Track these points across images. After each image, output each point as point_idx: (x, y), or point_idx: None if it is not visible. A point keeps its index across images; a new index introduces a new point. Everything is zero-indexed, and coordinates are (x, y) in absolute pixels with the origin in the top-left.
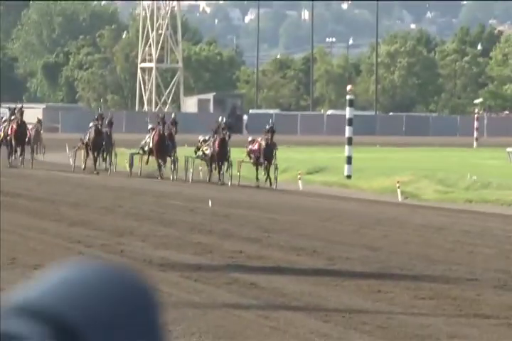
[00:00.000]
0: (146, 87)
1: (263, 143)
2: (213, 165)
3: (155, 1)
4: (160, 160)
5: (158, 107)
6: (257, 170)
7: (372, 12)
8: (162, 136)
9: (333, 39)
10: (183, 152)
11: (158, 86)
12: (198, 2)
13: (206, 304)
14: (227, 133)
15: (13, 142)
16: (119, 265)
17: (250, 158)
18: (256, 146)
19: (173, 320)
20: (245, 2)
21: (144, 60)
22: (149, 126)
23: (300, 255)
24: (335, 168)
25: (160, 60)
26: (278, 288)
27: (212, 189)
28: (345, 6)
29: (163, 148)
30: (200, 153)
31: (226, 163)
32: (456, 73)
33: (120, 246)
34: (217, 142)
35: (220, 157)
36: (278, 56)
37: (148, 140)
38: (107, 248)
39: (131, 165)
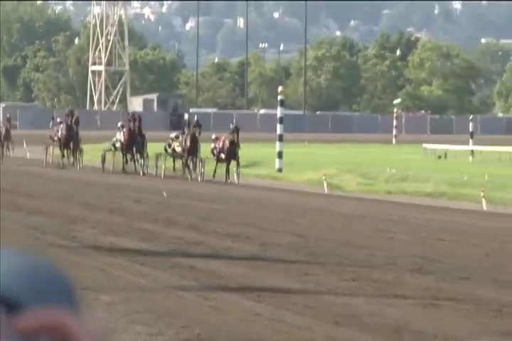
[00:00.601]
0: (96, 88)
1: (227, 142)
2: (186, 160)
3: (104, 10)
4: (129, 156)
5: (107, 106)
6: (216, 165)
7: (301, 20)
8: (133, 132)
9: (266, 45)
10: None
11: (107, 87)
12: (143, 10)
13: (151, 286)
14: (198, 130)
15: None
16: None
17: (213, 154)
18: (220, 144)
19: (120, 300)
20: (186, 11)
21: (94, 64)
22: (119, 124)
23: (235, 241)
24: (267, 162)
25: (109, 63)
26: (215, 270)
27: (170, 182)
28: (276, 14)
29: (133, 144)
30: (170, 150)
31: (195, 158)
32: (377, 76)
33: (73, 232)
34: (188, 138)
35: (192, 152)
36: (216, 60)
37: (119, 137)
38: (61, 234)
39: (103, 161)
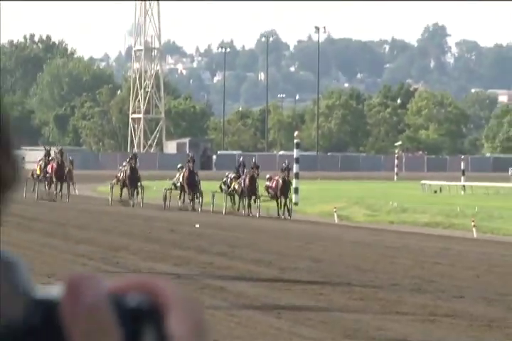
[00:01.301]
0: (136, 134)
1: (280, 180)
2: (244, 199)
3: (143, 65)
4: (190, 193)
5: (145, 149)
6: (277, 203)
7: (314, 73)
8: (191, 172)
9: (284, 95)
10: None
11: (145, 132)
12: (177, 66)
13: None
14: (256, 171)
15: (53, 179)
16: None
17: (268, 193)
18: (274, 183)
19: None
20: (214, 65)
21: (134, 112)
22: (179, 165)
23: (258, 266)
24: None
25: (147, 111)
26: (241, 291)
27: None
28: (292, 68)
29: (193, 183)
30: (225, 187)
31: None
32: (381, 122)
33: (116, 258)
34: (247, 178)
35: (252, 191)
36: (240, 109)
37: (179, 176)
38: (105, 261)
39: (165, 198)
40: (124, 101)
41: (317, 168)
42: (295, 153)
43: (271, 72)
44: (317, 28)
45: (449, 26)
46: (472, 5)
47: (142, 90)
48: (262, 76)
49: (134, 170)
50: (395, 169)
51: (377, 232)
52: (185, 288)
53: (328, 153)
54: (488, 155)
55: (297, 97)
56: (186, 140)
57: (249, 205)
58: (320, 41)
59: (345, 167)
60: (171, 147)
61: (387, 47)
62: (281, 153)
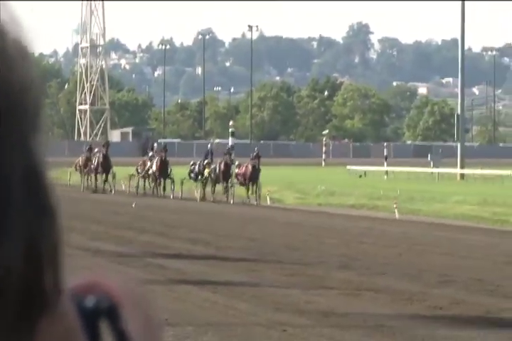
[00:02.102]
0: (82, 123)
1: (250, 167)
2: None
3: (88, 60)
4: (162, 180)
5: (91, 138)
6: (247, 189)
7: (248, 68)
8: (164, 161)
9: (219, 88)
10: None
11: (91, 122)
12: (121, 61)
13: None
14: (229, 157)
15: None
16: None
17: (238, 179)
18: (243, 170)
19: None
20: (155, 61)
21: (80, 104)
22: (150, 154)
23: (196, 245)
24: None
25: (92, 103)
26: (180, 268)
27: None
28: (228, 63)
29: (166, 171)
30: (193, 175)
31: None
32: (309, 112)
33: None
34: (223, 164)
35: (226, 177)
36: (179, 100)
37: (150, 164)
38: None
39: (138, 186)
40: (71, 93)
41: (250, 155)
42: (230, 141)
43: (208, 67)
44: (250, 27)
45: (372, 24)
46: (393, 4)
47: (88, 84)
48: (199, 70)
49: (106, 158)
50: (323, 155)
51: (307, 214)
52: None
53: (261, 141)
54: (409, 142)
55: (232, 90)
56: (129, 129)
57: (227, 190)
58: (253, 38)
59: (277, 154)
60: (115, 136)
61: (315, 43)
62: (217, 141)
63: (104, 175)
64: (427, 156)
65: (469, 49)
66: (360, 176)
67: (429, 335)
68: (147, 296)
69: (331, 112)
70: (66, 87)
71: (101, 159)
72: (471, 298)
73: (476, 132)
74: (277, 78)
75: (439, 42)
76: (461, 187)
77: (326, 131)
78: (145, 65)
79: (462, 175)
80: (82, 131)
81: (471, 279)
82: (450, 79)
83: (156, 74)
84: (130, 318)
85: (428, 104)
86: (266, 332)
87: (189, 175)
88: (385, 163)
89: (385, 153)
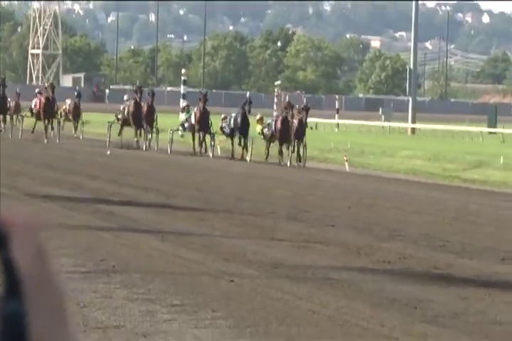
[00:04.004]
0: (35, 68)
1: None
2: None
3: (42, 5)
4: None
5: (43, 82)
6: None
7: (202, 17)
8: (138, 104)
9: (173, 36)
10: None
11: (43, 67)
12: (74, 6)
13: (77, 226)
14: (248, 108)
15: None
16: None
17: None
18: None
19: (49, 237)
20: (108, 7)
21: (33, 48)
22: (125, 97)
23: (146, 192)
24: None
25: (45, 47)
26: (129, 216)
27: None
28: (181, 12)
29: (143, 118)
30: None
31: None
32: (262, 62)
33: (15, 183)
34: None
35: (243, 131)
36: (132, 47)
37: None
38: (4, 185)
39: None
40: (24, 37)
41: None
42: (182, 89)
43: (161, 15)
44: None
45: None
46: None
47: (41, 28)
48: (152, 17)
49: (76, 106)
50: (274, 106)
51: (258, 165)
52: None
53: (213, 90)
54: (361, 95)
55: (185, 38)
56: (81, 75)
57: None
58: None
59: (229, 103)
60: (67, 81)
61: None
62: (169, 89)
63: (74, 122)
64: (379, 110)
65: (423, 4)
66: (311, 128)
67: (377, 289)
68: (42, 230)
69: (283, 63)
70: (19, 30)
71: (72, 106)
72: (419, 253)
73: (428, 87)
74: (231, 28)
75: None
76: (411, 141)
77: (278, 82)
78: (98, 10)
79: (413, 130)
80: (34, 75)
81: (419, 234)
82: (404, 34)
83: (109, 20)
84: (20, 248)
85: (381, 58)
86: (213, 281)
87: (222, 129)
88: (337, 116)
89: (336, 106)
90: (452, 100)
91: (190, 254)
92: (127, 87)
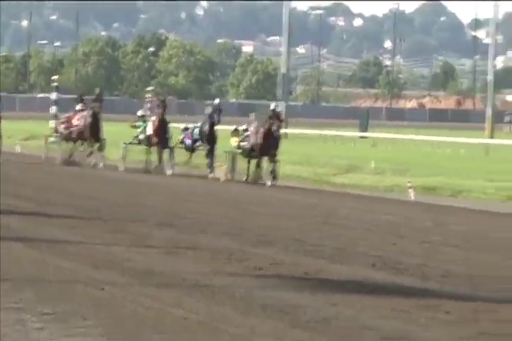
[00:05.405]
0: None
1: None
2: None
3: None
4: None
5: None
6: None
7: (74, 22)
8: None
9: (45, 41)
10: None
11: None
12: None
13: None
14: (217, 118)
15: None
16: None
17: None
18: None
19: None
20: None
21: None
22: (77, 107)
23: (18, 200)
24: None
25: None
26: (3, 224)
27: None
28: (54, 17)
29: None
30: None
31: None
32: (134, 68)
33: None
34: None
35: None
36: (3, 53)
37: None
38: None
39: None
40: None
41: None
42: (54, 95)
43: (33, 20)
44: None
45: None
46: None
47: None
48: (25, 23)
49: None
50: (148, 112)
51: (133, 171)
52: None
53: (86, 96)
54: (233, 100)
55: (58, 44)
56: None
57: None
58: None
59: (105, 109)
60: None
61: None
62: (40, 95)
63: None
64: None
65: (295, 8)
66: None
67: (248, 295)
68: None
69: (155, 68)
70: None
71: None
72: (290, 258)
73: (300, 91)
74: (103, 33)
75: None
76: (283, 146)
77: (150, 88)
78: None
79: (286, 135)
80: None
81: (290, 239)
82: (276, 38)
83: None
84: None
85: (252, 63)
86: (84, 289)
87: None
88: None
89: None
90: (324, 104)
91: (62, 262)
92: (3, 94)
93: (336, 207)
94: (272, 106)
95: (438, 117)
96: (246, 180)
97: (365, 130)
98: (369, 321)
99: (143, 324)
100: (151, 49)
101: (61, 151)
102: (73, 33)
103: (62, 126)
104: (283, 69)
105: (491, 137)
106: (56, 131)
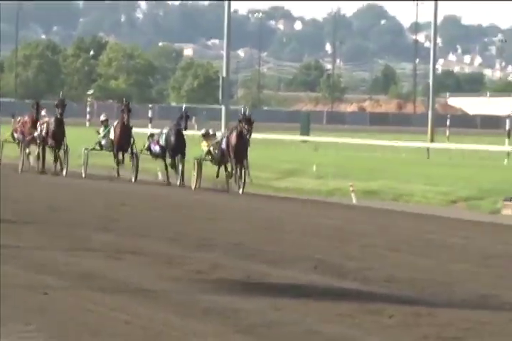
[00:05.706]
0: None
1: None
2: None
3: None
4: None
5: None
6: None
7: (13, 25)
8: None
9: None
10: None
11: None
12: None
13: None
14: (184, 124)
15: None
16: None
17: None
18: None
19: None
20: None
21: None
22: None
23: None
24: None
25: None
26: None
27: None
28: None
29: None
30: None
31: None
32: (74, 71)
33: None
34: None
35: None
36: None
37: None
38: None
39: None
40: None
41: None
42: None
43: None
44: None
45: None
46: None
47: None
48: None
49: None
50: (87, 116)
51: (74, 176)
52: None
53: (26, 100)
54: (174, 104)
55: None
56: None
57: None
58: None
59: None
60: None
61: (81, 2)
62: None
63: None
64: (192, 119)
65: (235, 11)
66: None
67: (189, 299)
68: None
69: (96, 72)
70: None
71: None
72: (231, 262)
73: (241, 95)
74: (43, 36)
75: (206, 4)
76: None
77: (90, 91)
78: None
79: None
80: None
81: (231, 244)
82: (216, 41)
83: None
84: None
85: (193, 66)
86: (26, 294)
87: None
88: (150, 125)
89: (149, 115)
90: (265, 108)
91: (2, 267)
92: None
93: (277, 211)
94: (242, 109)
95: (379, 121)
96: (217, 187)
97: (306, 134)
98: (313, 325)
99: (85, 328)
100: (92, 53)
101: (21, 158)
102: (12, 36)
103: (18, 131)
104: (223, 73)
105: (432, 141)
106: (13, 136)
